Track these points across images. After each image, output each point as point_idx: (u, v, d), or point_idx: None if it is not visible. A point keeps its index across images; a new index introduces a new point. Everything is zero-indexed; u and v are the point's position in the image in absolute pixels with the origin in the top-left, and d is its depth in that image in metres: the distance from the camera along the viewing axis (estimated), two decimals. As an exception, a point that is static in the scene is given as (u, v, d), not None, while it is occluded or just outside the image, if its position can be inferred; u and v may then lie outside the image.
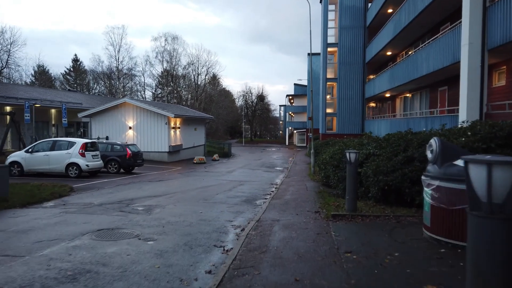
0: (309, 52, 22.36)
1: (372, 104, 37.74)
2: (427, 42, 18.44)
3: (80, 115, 28.52)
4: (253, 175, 20.66)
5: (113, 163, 19.73)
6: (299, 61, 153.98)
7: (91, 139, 24.14)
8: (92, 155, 17.48)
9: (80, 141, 17.37)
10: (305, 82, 65.77)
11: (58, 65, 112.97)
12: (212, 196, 12.03)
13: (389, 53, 28.57)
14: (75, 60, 71.32)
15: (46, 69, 66.91)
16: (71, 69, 71.17)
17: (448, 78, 18.57)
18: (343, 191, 10.80)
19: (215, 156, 34.38)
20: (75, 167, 16.86)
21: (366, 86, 34.33)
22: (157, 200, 10.88)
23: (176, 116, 28.28)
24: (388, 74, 25.11)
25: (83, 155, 16.98)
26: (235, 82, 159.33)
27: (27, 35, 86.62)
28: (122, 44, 71.46)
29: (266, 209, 9.35)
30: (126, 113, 28.40)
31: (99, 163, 18.04)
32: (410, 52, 23.16)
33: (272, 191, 13.52)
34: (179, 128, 30.23)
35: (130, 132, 28.32)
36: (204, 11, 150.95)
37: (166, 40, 67.01)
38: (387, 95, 28.91)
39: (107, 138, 27.52)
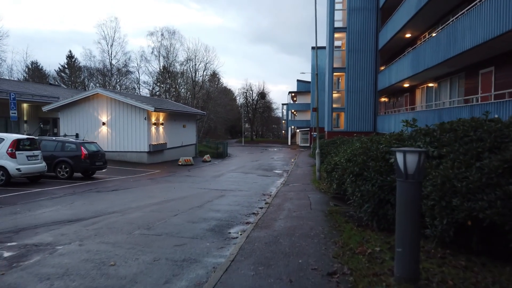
0: (315, 36, 18.19)
1: (384, 99, 33.26)
2: (470, 6, 14.02)
3: (45, 108, 24.27)
4: (244, 181, 16.37)
5: (63, 166, 15.40)
6: (302, 61, 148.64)
7: (58, 136, 19.95)
8: (28, 156, 13.24)
9: (9, 138, 13.08)
10: (308, 77, 61.42)
11: (57, 65, 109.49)
12: (163, 220, 7.73)
13: (408, 35, 24.12)
14: (70, 57, 67.23)
15: (40, 66, 63.08)
16: (66, 66, 67.12)
17: (494, 56, 14.21)
18: (372, 216, 6.41)
19: (206, 157, 30.11)
20: (1, 172, 12.65)
21: (379, 76, 29.84)
22: (63, 231, 6.59)
23: (157, 110, 23.99)
24: (410, 58, 20.69)
25: (13, 155, 12.73)
26: (237, 82, 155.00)
27: (30, 36, 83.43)
28: (116, 38, 67.28)
29: (236, 257, 5.06)
30: (99, 107, 24.19)
31: (39, 166, 13.76)
32: (433, 34, 18.72)
33: (261, 209, 9.25)
34: (162, 124, 25.96)
35: (104, 129, 24.09)
36: (206, 11, 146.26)
37: (162, 35, 62.13)
38: (406, 85, 24.45)
39: (77, 136, 23.37)
